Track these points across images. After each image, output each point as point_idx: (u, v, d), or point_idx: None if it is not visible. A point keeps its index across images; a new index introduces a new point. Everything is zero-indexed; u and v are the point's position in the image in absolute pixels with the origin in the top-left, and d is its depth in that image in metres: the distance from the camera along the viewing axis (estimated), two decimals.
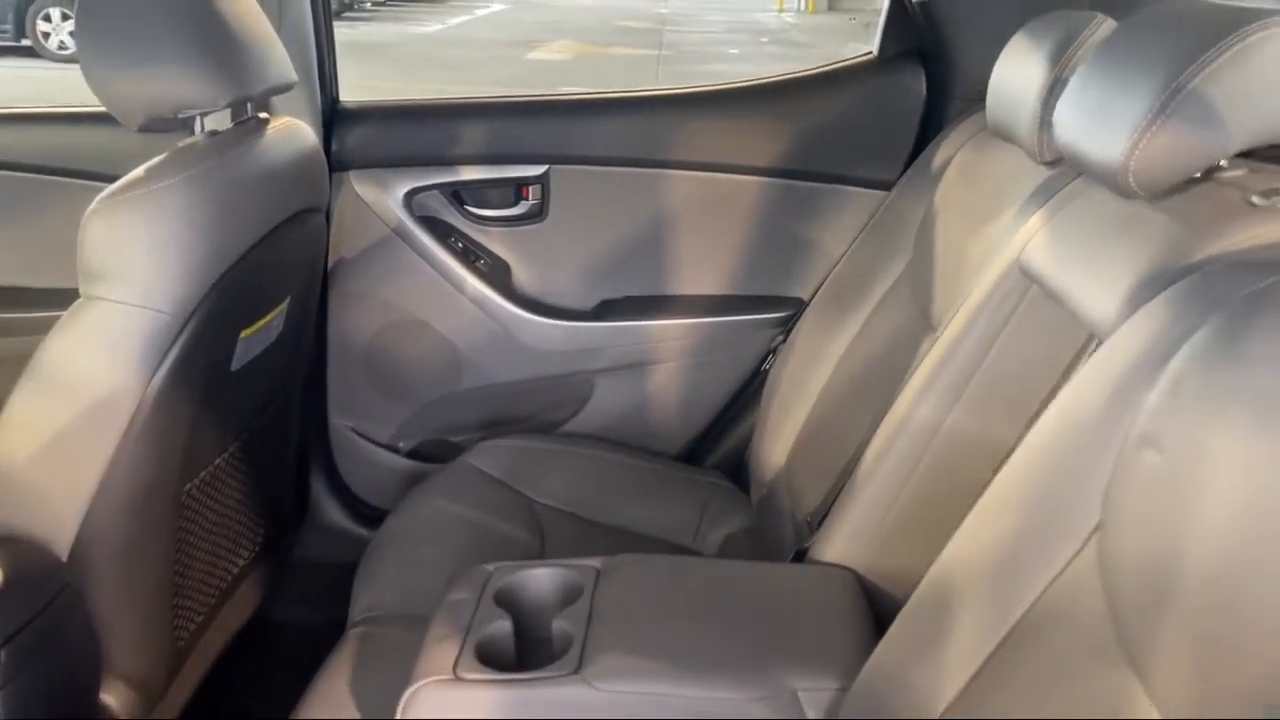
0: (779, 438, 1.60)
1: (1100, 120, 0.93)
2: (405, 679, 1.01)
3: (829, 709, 0.98)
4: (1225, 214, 0.88)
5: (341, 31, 1.93)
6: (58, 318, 1.19)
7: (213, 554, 1.49)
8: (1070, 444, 0.79)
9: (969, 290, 1.20)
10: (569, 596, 1.12)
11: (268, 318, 1.42)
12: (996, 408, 1.12)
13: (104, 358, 1.18)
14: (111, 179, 1.21)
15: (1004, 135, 1.31)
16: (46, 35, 9.88)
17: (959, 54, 1.74)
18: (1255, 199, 0.87)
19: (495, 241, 1.89)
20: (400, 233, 1.84)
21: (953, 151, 1.52)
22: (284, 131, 1.44)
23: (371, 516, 1.88)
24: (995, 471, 0.88)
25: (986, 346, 1.13)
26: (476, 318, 1.87)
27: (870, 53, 1.88)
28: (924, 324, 1.37)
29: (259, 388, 1.51)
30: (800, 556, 1.29)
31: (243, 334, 1.36)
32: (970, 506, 0.89)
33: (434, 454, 1.93)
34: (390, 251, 1.85)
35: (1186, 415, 0.69)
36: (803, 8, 17.54)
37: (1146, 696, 0.66)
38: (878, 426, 1.25)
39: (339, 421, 1.93)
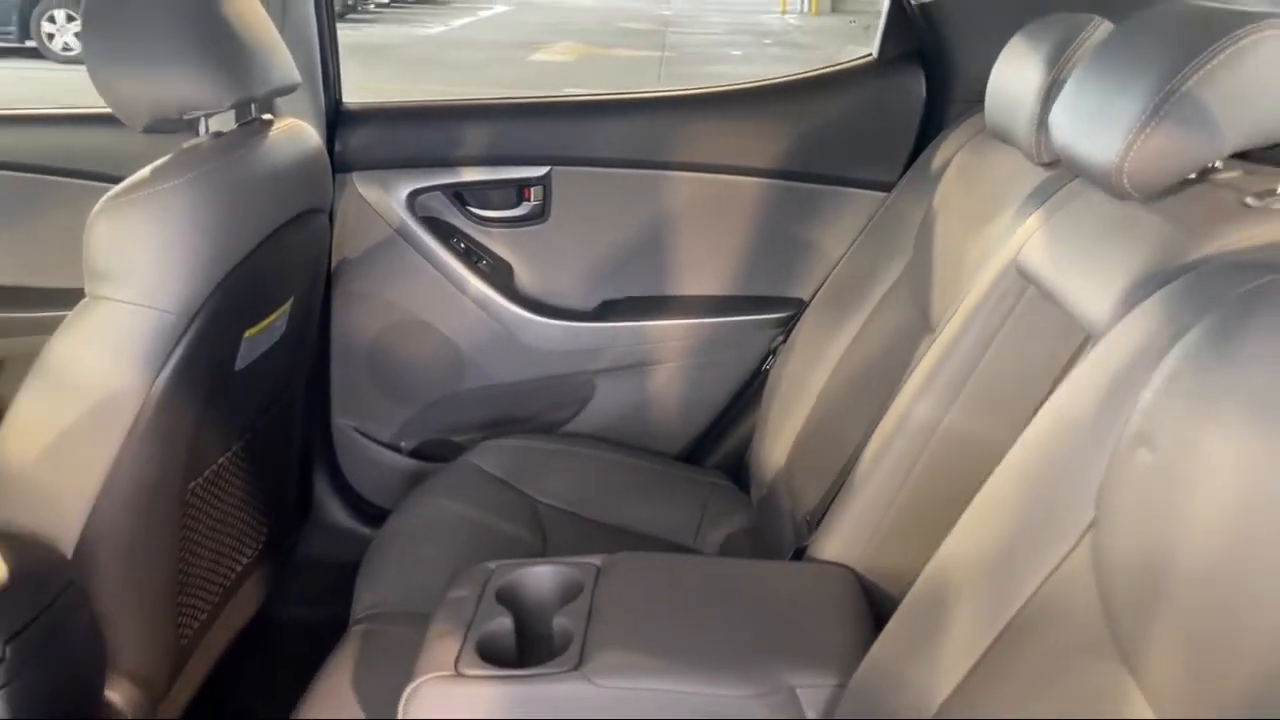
0: (779, 438, 1.60)
1: (1095, 122, 0.93)
2: (407, 676, 1.02)
3: (827, 705, 0.99)
4: (1219, 215, 0.89)
5: (345, 33, 1.94)
6: (63, 318, 1.20)
7: (216, 552, 1.50)
8: (1065, 442, 0.80)
9: (967, 291, 1.21)
10: (569, 594, 1.12)
11: (271, 317, 1.43)
12: (994, 407, 1.12)
13: (109, 357, 1.19)
14: (116, 180, 1.22)
15: (1002, 137, 1.32)
16: (51, 36, 9.90)
17: (958, 56, 1.75)
18: (1249, 200, 0.88)
19: (497, 242, 1.90)
20: (403, 233, 1.85)
21: (952, 153, 1.52)
22: (288, 133, 1.45)
23: (374, 515, 1.89)
24: (992, 470, 0.89)
25: (984, 346, 1.14)
26: (478, 318, 1.88)
27: (870, 55, 1.89)
28: (923, 324, 1.38)
29: (262, 387, 1.52)
30: (799, 555, 1.29)
31: (247, 334, 1.37)
32: (967, 505, 0.89)
33: (436, 453, 1.94)
34: (393, 252, 1.86)
35: (1180, 414, 0.69)
36: (806, 9, 17.53)
37: (1139, 692, 0.67)
38: (876, 426, 1.26)
39: (342, 421, 1.94)
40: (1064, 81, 1.08)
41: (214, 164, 1.26)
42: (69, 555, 1.20)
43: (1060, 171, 1.18)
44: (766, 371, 1.84)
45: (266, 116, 1.46)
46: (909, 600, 0.91)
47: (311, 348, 1.76)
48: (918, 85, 1.80)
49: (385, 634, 1.32)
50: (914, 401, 1.18)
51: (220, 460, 1.45)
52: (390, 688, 1.03)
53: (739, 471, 1.85)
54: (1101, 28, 1.19)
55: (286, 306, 1.48)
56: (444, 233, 1.87)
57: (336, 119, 1.83)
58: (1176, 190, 0.94)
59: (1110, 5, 1.23)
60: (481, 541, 1.49)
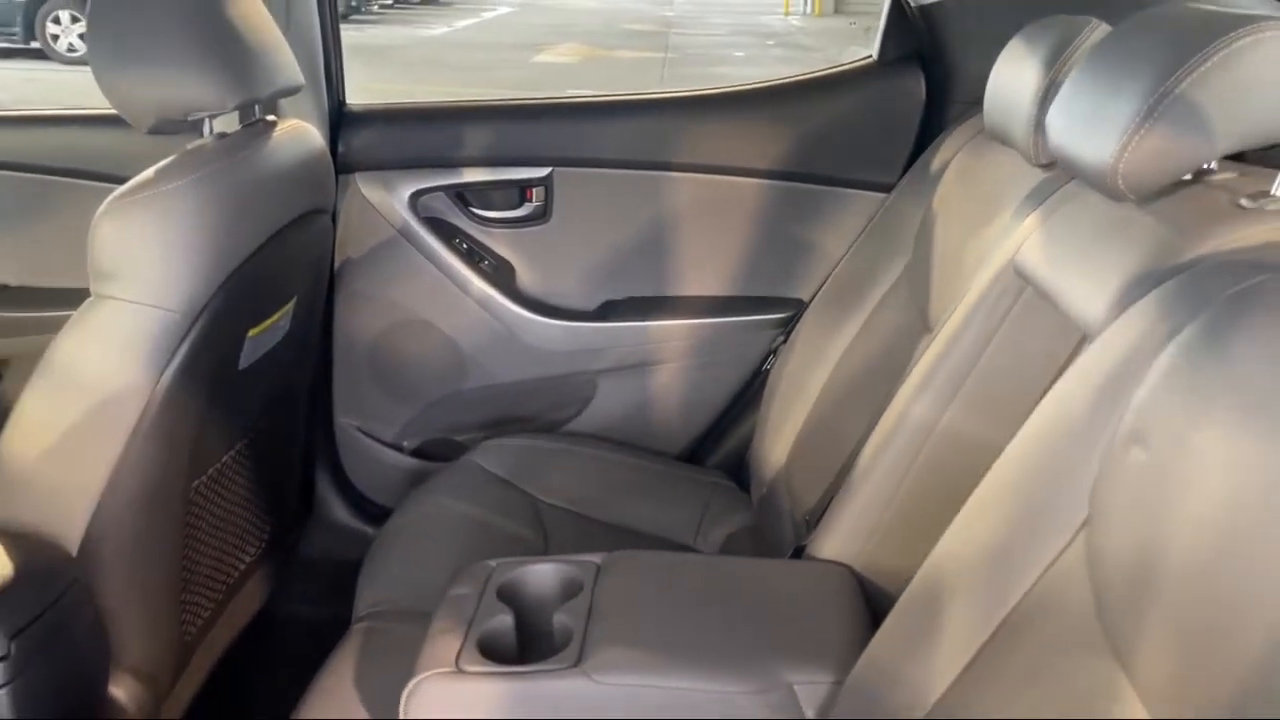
0: (779, 437, 1.61)
1: (1090, 124, 0.94)
2: (409, 672, 1.02)
3: (824, 702, 0.99)
4: (1214, 216, 0.89)
5: (348, 34, 1.95)
6: (68, 317, 1.21)
7: (220, 550, 1.50)
8: (1059, 440, 0.81)
9: (966, 291, 1.21)
10: (570, 591, 1.13)
11: (274, 317, 1.44)
12: (991, 407, 1.13)
13: (114, 356, 1.20)
14: (121, 180, 1.23)
15: (1001, 138, 1.32)
16: (55, 38, 9.92)
17: (958, 58, 1.76)
18: (1244, 201, 0.89)
19: (499, 243, 1.91)
20: (405, 234, 1.86)
21: (951, 154, 1.53)
22: (291, 134, 1.46)
23: (376, 514, 1.90)
24: (989, 469, 0.89)
25: (982, 346, 1.14)
26: (481, 318, 1.89)
27: (870, 56, 1.90)
28: (922, 324, 1.38)
29: (266, 386, 1.53)
30: (799, 554, 1.30)
31: (250, 333, 1.38)
32: (965, 503, 0.90)
33: (438, 453, 1.95)
34: (396, 252, 1.87)
35: (1173, 413, 0.70)
36: (809, 10, 17.52)
37: (1131, 687, 0.67)
38: (876, 425, 1.26)
39: (344, 420, 1.95)
40: (1061, 84, 1.08)
41: (218, 165, 1.27)
42: (74, 553, 1.21)
43: (1057, 173, 1.19)
44: (767, 371, 1.84)
45: (270, 118, 1.47)
46: (905, 598, 0.92)
47: (314, 347, 1.77)
48: (918, 87, 1.81)
49: (387, 631, 1.33)
50: (912, 401, 1.19)
51: (224, 459, 1.46)
52: (392, 685, 1.04)
53: (740, 471, 1.85)
54: (1099, 30, 1.19)
55: (290, 306, 1.49)
56: (446, 233, 1.88)
57: (340, 120, 1.84)
58: (1171, 191, 0.95)
59: (1109, 7, 1.24)
60: (483, 540, 1.50)
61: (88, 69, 1.24)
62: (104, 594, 1.23)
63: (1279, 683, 0.56)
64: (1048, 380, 1.08)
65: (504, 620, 1.09)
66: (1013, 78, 1.26)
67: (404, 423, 1.96)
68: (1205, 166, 0.95)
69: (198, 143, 1.31)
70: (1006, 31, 1.34)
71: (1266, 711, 0.57)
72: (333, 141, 1.81)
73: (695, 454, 1.97)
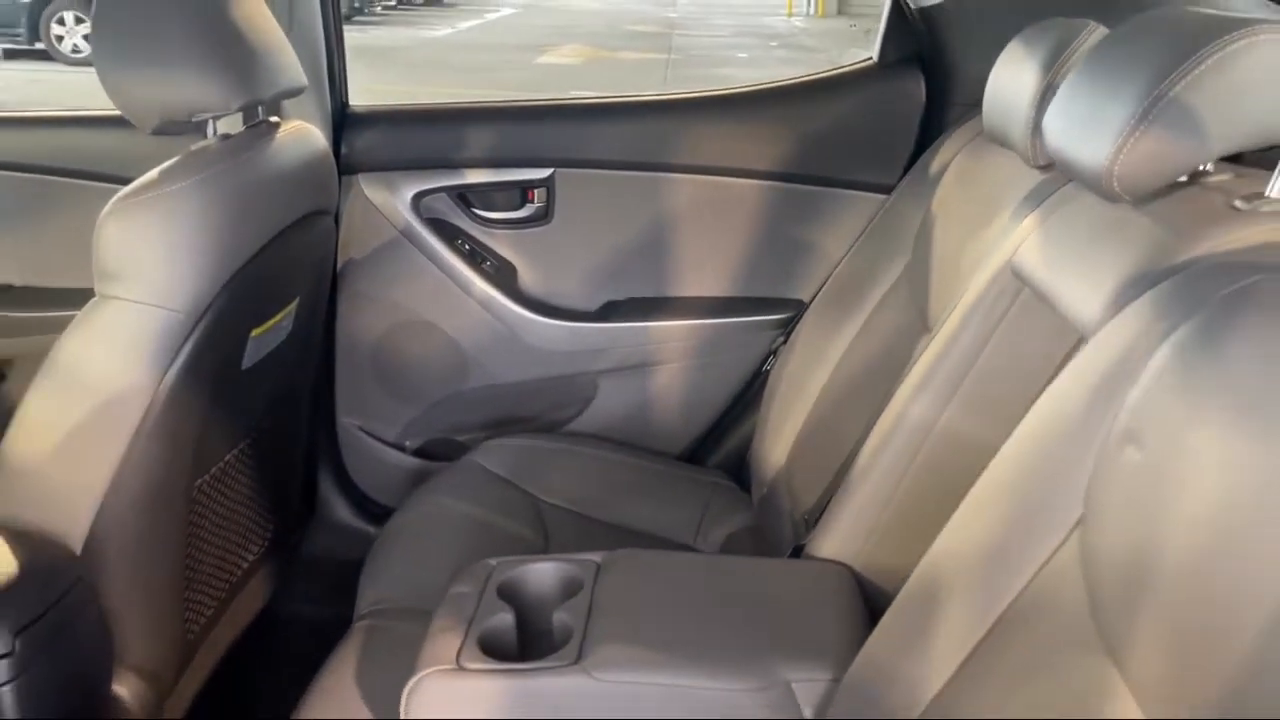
0: (779, 437, 1.61)
1: (1087, 126, 0.94)
2: (410, 670, 1.03)
3: (822, 700, 1.00)
4: (1209, 217, 0.90)
5: (351, 36, 1.96)
6: (73, 317, 1.22)
7: (223, 549, 1.51)
8: (1055, 440, 0.81)
9: (964, 292, 1.22)
10: (570, 590, 1.14)
11: (277, 317, 1.45)
12: (989, 407, 1.13)
13: (118, 355, 1.20)
14: (125, 181, 1.24)
15: (999, 140, 1.33)
16: (60, 39, 9.94)
17: (958, 60, 1.76)
18: (1238, 203, 0.89)
19: (501, 244, 1.91)
20: (408, 235, 1.87)
21: (951, 156, 1.54)
22: (294, 135, 1.47)
23: (378, 514, 1.90)
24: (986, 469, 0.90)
25: (980, 347, 1.15)
26: (482, 319, 1.90)
27: (871, 58, 1.90)
28: (921, 325, 1.39)
29: (269, 386, 1.54)
30: (798, 553, 1.30)
31: (253, 333, 1.38)
32: (962, 503, 0.91)
33: (440, 452, 1.96)
34: (398, 253, 1.87)
35: (1167, 412, 0.70)
36: (812, 11, 17.53)
37: (1124, 685, 0.68)
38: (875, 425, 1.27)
39: (347, 420, 1.96)
40: (1058, 86, 1.09)
41: (221, 166, 1.27)
42: (77, 551, 1.22)
43: (1055, 175, 1.19)
44: (767, 372, 1.85)
45: (273, 119, 1.47)
46: (902, 596, 0.92)
47: (317, 347, 1.78)
48: (917, 89, 1.81)
49: (388, 629, 1.33)
50: (910, 401, 1.19)
51: (227, 458, 1.47)
52: (393, 682, 1.04)
53: (740, 471, 1.86)
54: (1095, 33, 1.20)
55: (292, 306, 1.49)
56: (448, 234, 1.89)
57: (342, 121, 1.85)
58: (1167, 193, 0.95)
59: (1107, 10, 1.24)
60: (484, 539, 1.51)
61: (92, 70, 1.25)
62: (107, 592, 1.24)
63: (1271, 681, 0.57)
64: (1045, 381, 1.08)
65: (504, 618, 1.10)
66: (1011, 80, 1.27)
67: (406, 423, 1.96)
68: (1201, 168, 0.96)
69: (201, 144, 1.31)
70: (1006, 34, 1.35)
71: (1259, 709, 0.57)
72: (336, 143, 1.82)
73: (696, 454, 1.97)
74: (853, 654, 0.96)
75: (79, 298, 1.23)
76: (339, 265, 1.85)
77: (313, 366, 1.77)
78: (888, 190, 1.79)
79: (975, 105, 1.44)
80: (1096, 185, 0.94)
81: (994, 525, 0.84)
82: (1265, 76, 0.88)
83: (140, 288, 1.20)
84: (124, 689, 1.28)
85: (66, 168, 1.95)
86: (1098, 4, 1.31)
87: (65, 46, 9.93)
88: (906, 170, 1.76)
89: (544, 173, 1.88)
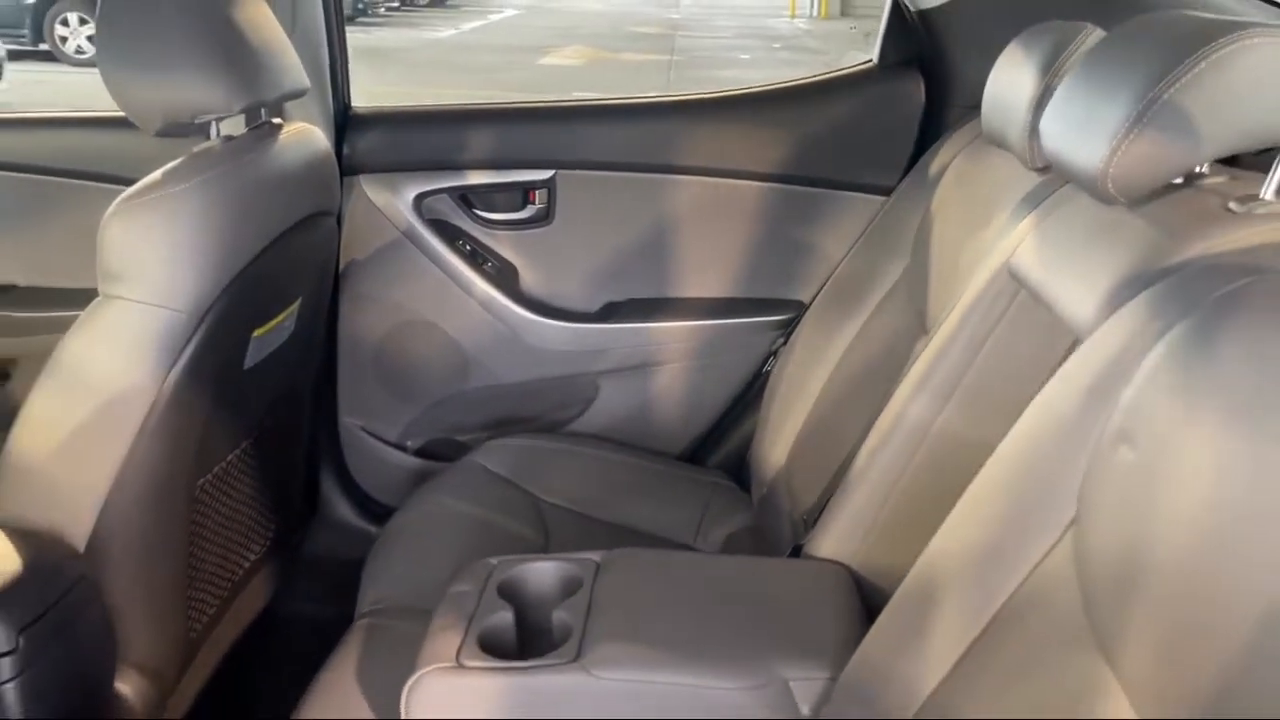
0: (779, 438, 1.62)
1: (1083, 129, 0.95)
2: (410, 667, 1.04)
3: (819, 698, 1.00)
4: (1203, 219, 0.90)
5: (355, 36, 1.96)
6: (76, 317, 1.23)
7: (225, 548, 1.52)
8: (1049, 440, 0.82)
9: (962, 293, 1.22)
10: (569, 589, 1.14)
11: (280, 318, 1.46)
12: (986, 408, 1.14)
13: (121, 355, 1.21)
14: (129, 182, 1.24)
15: (998, 142, 1.33)
16: (64, 39, 9.97)
17: (957, 62, 1.76)
18: (1233, 205, 0.90)
19: (503, 244, 1.92)
20: (410, 236, 1.88)
21: (950, 158, 1.54)
22: (297, 136, 1.48)
23: (380, 513, 1.91)
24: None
25: (977, 348, 1.15)
26: (484, 319, 1.90)
27: (871, 61, 1.91)
28: (920, 326, 1.40)
29: (271, 386, 1.54)
30: (797, 553, 1.31)
31: (255, 333, 1.39)
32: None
33: (441, 452, 1.97)
34: (400, 254, 1.88)
35: (1160, 412, 0.71)
36: (815, 13, 17.51)
37: (1116, 682, 0.69)
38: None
39: (349, 420, 1.97)
40: (1055, 89, 1.09)
41: (224, 167, 1.28)
42: (81, 549, 1.23)
43: (1052, 177, 1.20)
44: (768, 373, 1.85)
45: (276, 120, 1.48)
46: (898, 595, 0.93)
47: (319, 348, 1.78)
48: (917, 91, 1.82)
49: (389, 628, 1.34)
50: (908, 401, 1.20)
51: (229, 457, 1.47)
52: (394, 679, 1.05)
53: (740, 471, 1.86)
54: (1093, 36, 1.20)
55: (295, 307, 1.50)
56: (450, 235, 1.90)
57: (345, 123, 1.86)
58: (1162, 195, 0.96)
59: (1105, 13, 1.25)
60: (485, 539, 1.51)
61: (96, 71, 1.26)
62: (111, 590, 1.25)
63: (1260, 678, 0.57)
64: (1041, 382, 1.08)
65: (504, 616, 1.10)
66: (1009, 83, 1.27)
67: (408, 423, 1.97)
68: (1197, 170, 0.96)
69: (204, 145, 1.32)
70: (1005, 37, 1.35)
71: (1248, 706, 0.58)
72: (338, 144, 1.83)
73: (696, 454, 1.98)
74: (850, 653, 0.97)
75: (82, 298, 1.24)
76: (341, 266, 1.86)
77: (315, 367, 1.78)
78: (887, 192, 1.79)
79: (974, 107, 1.44)
80: (1092, 187, 0.95)
81: (989, 524, 0.85)
82: (1258, 79, 0.88)
83: (143, 288, 1.20)
84: (127, 687, 1.29)
85: (70, 169, 1.96)
86: (1096, 7, 1.31)
87: (69, 48, 9.95)
88: (906, 172, 1.77)
89: (545, 174, 1.88)
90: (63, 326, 1.23)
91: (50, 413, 1.22)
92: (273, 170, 1.39)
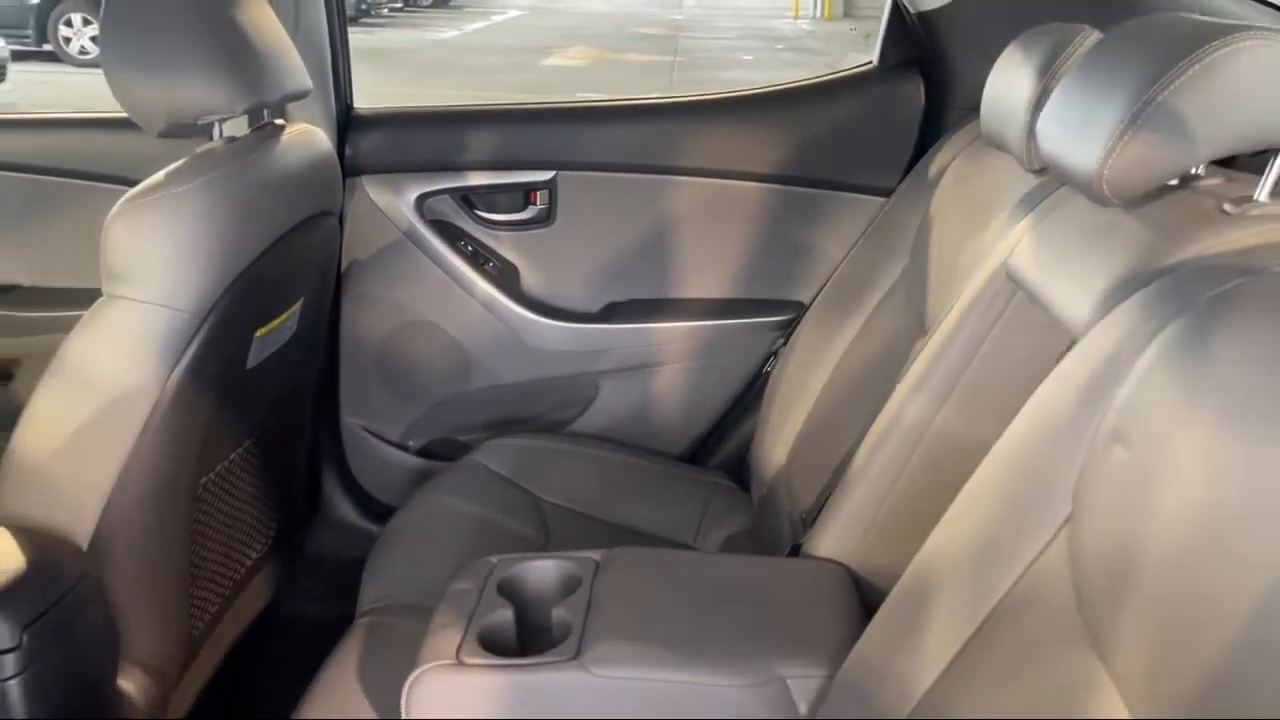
0: (779, 438, 1.62)
1: (1079, 131, 0.95)
2: (411, 665, 1.04)
3: (816, 696, 1.01)
4: (1198, 220, 0.91)
5: (358, 37, 1.97)
6: (80, 317, 1.23)
7: (227, 546, 1.53)
8: (1044, 439, 0.82)
9: (961, 294, 1.23)
10: (569, 587, 1.15)
11: (282, 318, 1.46)
12: (983, 408, 1.14)
13: (124, 355, 1.22)
14: (132, 183, 1.25)
15: (996, 144, 1.34)
16: (68, 40, 9.98)
17: (957, 64, 1.77)
18: (1227, 206, 0.90)
19: (504, 245, 1.93)
20: (412, 236, 1.88)
21: (949, 159, 1.55)
22: (299, 137, 1.48)
23: (381, 513, 1.92)
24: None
25: (975, 348, 1.16)
26: (485, 319, 1.91)
27: (871, 62, 1.91)
28: (919, 327, 1.40)
29: (273, 386, 1.55)
30: (796, 552, 1.32)
31: (258, 333, 1.40)
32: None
33: (443, 452, 1.97)
34: (402, 254, 1.89)
35: (1154, 412, 0.71)
36: (818, 14, 17.50)
37: (1108, 678, 0.69)
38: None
39: (350, 420, 1.97)
40: (1052, 90, 1.10)
41: (227, 168, 1.29)
42: (84, 548, 1.23)
43: (1050, 178, 1.20)
44: (768, 373, 1.86)
45: (279, 121, 1.49)
46: (894, 594, 0.93)
47: (321, 348, 1.79)
48: (917, 92, 1.82)
49: (390, 626, 1.35)
50: (906, 402, 1.20)
51: (231, 456, 1.48)
52: (394, 677, 1.05)
53: (740, 472, 1.87)
54: (1090, 38, 1.21)
55: (297, 307, 1.51)
56: (452, 236, 1.90)
57: (347, 124, 1.87)
58: (1157, 196, 0.96)
59: (1104, 16, 1.25)
60: (485, 538, 1.52)
61: (99, 72, 1.26)
62: (113, 588, 1.25)
63: (1252, 676, 0.58)
64: (1037, 382, 1.08)
65: (504, 615, 1.11)
66: (1007, 84, 1.28)
67: (409, 422, 1.98)
68: (1192, 172, 0.97)
69: (207, 146, 1.33)
70: (1004, 39, 1.36)
71: (1239, 703, 0.58)
72: (340, 145, 1.84)
73: (696, 455, 1.98)
74: (847, 651, 0.97)
75: (85, 298, 1.25)
76: (343, 266, 1.87)
77: (317, 366, 1.79)
78: (887, 193, 1.80)
79: (974, 109, 1.44)
80: (1087, 189, 0.95)
81: (984, 523, 0.85)
82: (1252, 81, 0.89)
83: (147, 288, 1.21)
84: (129, 684, 1.30)
85: (73, 169, 1.97)
86: (1095, 9, 1.32)
87: (73, 48, 9.97)
88: (906, 173, 1.77)
89: (546, 175, 1.89)
90: (66, 326, 1.24)
91: (54, 412, 1.23)
92: (275, 171, 1.40)
